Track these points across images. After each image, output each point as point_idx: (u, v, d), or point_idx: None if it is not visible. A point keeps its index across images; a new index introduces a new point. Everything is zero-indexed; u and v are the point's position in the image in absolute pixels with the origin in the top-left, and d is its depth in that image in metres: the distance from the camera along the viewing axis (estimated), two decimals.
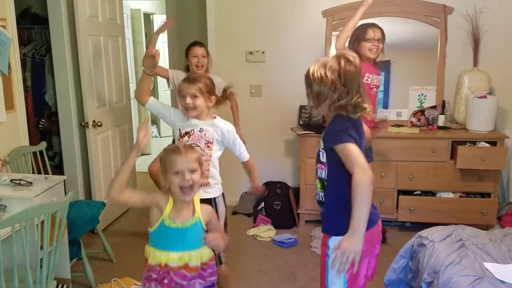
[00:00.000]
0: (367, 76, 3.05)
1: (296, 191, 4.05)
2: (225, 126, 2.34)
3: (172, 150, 1.85)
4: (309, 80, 1.79)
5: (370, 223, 1.70)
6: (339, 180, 1.74)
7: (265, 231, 3.77)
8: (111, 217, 4.02)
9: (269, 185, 4.15)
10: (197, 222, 1.88)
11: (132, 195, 1.87)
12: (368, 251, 1.76)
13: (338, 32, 4.02)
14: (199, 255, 1.88)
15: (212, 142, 2.29)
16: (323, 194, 1.83)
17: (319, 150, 1.83)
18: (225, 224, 2.46)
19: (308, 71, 1.82)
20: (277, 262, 3.33)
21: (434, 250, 2.12)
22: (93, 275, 2.99)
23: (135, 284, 3.00)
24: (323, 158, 1.80)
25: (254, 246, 3.60)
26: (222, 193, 2.45)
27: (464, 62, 3.87)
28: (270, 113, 4.22)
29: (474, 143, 3.58)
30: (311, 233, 3.77)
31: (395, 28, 3.91)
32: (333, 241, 1.74)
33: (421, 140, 3.63)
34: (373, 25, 3.10)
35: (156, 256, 1.85)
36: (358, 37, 3.05)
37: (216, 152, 2.34)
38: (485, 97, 3.57)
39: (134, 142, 1.93)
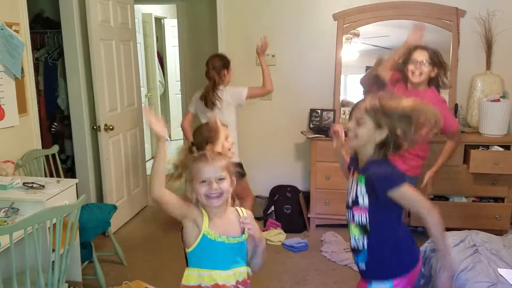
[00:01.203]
0: None
1: (306, 195, 4.04)
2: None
3: (199, 158, 1.69)
4: (378, 114, 1.66)
5: (412, 264, 1.74)
6: (388, 222, 1.73)
7: (275, 235, 3.76)
8: (122, 220, 4.04)
9: (279, 188, 4.14)
10: (245, 240, 1.74)
11: (172, 198, 1.68)
12: None
13: (348, 35, 4.03)
14: (242, 274, 1.75)
15: None
16: (364, 240, 1.75)
17: (355, 195, 1.74)
18: None
19: (372, 103, 1.69)
20: (287, 267, 3.32)
21: None
22: (104, 278, 3.00)
23: (146, 287, 3.01)
24: (364, 203, 1.72)
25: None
26: None
27: (477, 65, 3.83)
28: (281, 116, 4.21)
29: (487, 147, 3.54)
30: (321, 237, 3.75)
31: (407, 31, 3.88)
32: (377, 285, 1.74)
33: (434, 144, 3.58)
34: (421, 47, 2.81)
35: (198, 276, 1.68)
36: (405, 58, 2.83)
37: None
38: (498, 100, 3.52)
39: (150, 138, 1.80)
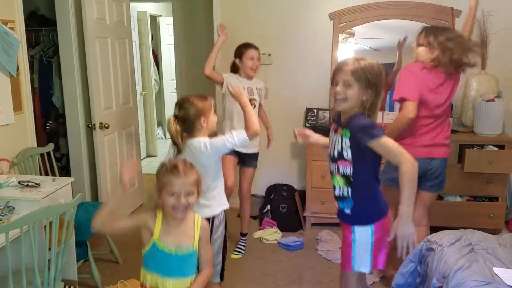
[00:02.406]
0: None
1: (302, 194, 4.04)
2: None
3: (171, 169, 1.73)
4: (360, 73, 1.83)
5: (385, 211, 1.94)
6: (368, 174, 1.91)
7: (271, 234, 3.76)
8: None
9: (275, 187, 4.15)
10: (194, 251, 1.80)
11: (119, 224, 1.76)
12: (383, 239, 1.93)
13: (344, 35, 4.03)
14: (186, 283, 1.79)
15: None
16: (348, 189, 1.93)
17: (341, 148, 1.90)
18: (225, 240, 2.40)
19: (363, 64, 1.85)
20: (283, 265, 3.32)
21: (443, 255, 2.11)
22: (99, 276, 2.99)
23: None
24: (348, 156, 1.89)
25: (260, 248, 3.59)
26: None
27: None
28: (277, 115, 4.21)
29: (482, 146, 3.56)
30: (317, 236, 3.76)
31: (403, 30, 3.90)
32: (361, 230, 1.93)
33: None
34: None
35: (149, 279, 1.77)
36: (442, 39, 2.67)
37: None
38: (493, 100, 3.54)
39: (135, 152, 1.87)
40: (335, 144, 1.94)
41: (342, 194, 1.96)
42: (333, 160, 1.96)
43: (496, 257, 2.07)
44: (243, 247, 3.51)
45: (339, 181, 1.96)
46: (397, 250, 1.78)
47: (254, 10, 4.15)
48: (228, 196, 2.82)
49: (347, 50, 4.04)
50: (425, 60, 2.64)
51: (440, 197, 3.69)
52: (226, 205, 2.30)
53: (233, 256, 3.40)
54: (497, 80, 3.73)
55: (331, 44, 4.02)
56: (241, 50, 3.35)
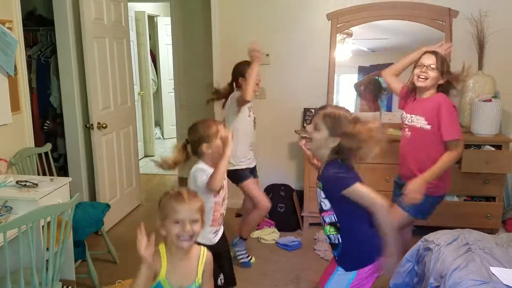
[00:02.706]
0: (404, 115, 2.72)
1: (300, 193, 4.05)
2: None
3: (175, 196, 1.66)
4: (328, 121, 1.83)
5: (369, 261, 1.87)
6: (353, 215, 1.85)
7: (269, 234, 3.77)
8: (115, 219, 4.02)
9: (273, 187, 4.15)
10: (198, 286, 1.75)
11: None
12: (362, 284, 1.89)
13: (342, 35, 4.04)
14: None
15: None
16: (338, 235, 1.88)
17: (320, 202, 1.90)
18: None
19: (330, 111, 1.86)
20: (281, 265, 3.33)
21: (440, 254, 2.12)
22: (97, 276, 2.99)
23: None
24: (326, 207, 1.88)
25: (258, 248, 3.59)
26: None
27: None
28: (275, 115, 4.22)
29: (479, 146, 3.57)
30: (315, 235, 3.76)
31: (400, 31, 3.92)
32: (341, 272, 1.89)
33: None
34: (431, 52, 2.64)
35: None
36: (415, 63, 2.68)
37: None
38: (490, 100, 3.56)
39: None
40: (317, 197, 1.93)
41: (334, 241, 1.91)
42: (319, 212, 1.94)
43: (493, 257, 2.08)
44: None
45: (330, 230, 1.91)
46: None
47: (252, 10, 4.16)
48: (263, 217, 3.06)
49: (345, 51, 4.06)
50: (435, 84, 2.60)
51: None
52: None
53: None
54: (494, 80, 3.74)
55: (329, 45, 4.03)
56: (245, 69, 3.11)
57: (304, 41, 4.10)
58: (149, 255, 1.60)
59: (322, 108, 1.89)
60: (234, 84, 3.25)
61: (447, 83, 2.59)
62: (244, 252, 3.35)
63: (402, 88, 2.81)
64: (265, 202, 3.19)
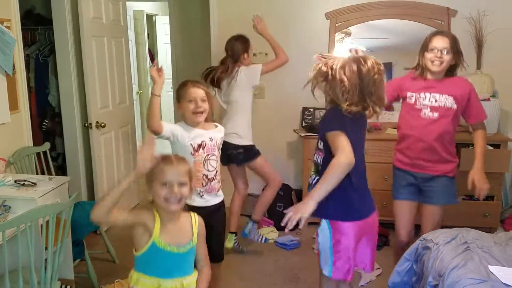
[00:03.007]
0: (410, 95, 2.59)
1: (299, 193, 4.05)
2: (222, 132, 2.42)
3: (162, 159, 1.66)
4: (327, 74, 1.91)
5: (347, 217, 1.96)
6: None
7: (268, 233, 3.77)
8: None
9: None
10: (193, 246, 1.76)
11: (119, 216, 1.67)
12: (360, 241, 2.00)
13: (341, 35, 4.04)
14: (190, 283, 1.76)
15: (219, 147, 2.36)
16: (316, 177, 1.98)
17: (318, 138, 2.03)
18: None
19: (327, 65, 1.93)
20: (280, 264, 3.33)
21: (439, 253, 2.12)
22: (96, 276, 2.99)
23: None
24: (321, 145, 2.00)
25: (256, 247, 3.59)
26: None
27: (467, 65, 3.86)
28: (273, 114, 4.22)
29: None
30: (313, 235, 3.76)
31: (398, 30, 3.92)
32: (325, 225, 2.01)
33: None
34: (441, 32, 2.59)
35: (146, 283, 1.69)
36: (423, 46, 2.58)
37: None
38: (488, 100, 3.56)
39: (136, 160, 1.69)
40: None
41: (311, 182, 2.04)
42: (316, 149, 2.06)
43: (492, 255, 2.08)
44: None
45: (312, 169, 2.06)
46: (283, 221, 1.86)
47: (250, 10, 4.14)
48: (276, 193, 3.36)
49: (344, 50, 4.05)
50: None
51: None
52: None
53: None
54: (493, 79, 3.75)
55: (328, 44, 4.03)
56: (246, 44, 3.41)
57: (303, 40, 4.10)
58: (144, 166, 1.63)
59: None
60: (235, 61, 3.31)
61: (456, 64, 2.56)
62: (258, 235, 3.45)
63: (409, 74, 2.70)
64: (278, 177, 3.34)
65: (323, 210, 1.92)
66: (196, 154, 2.23)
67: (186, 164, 1.72)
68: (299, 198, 4.00)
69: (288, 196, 4.03)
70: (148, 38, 6.75)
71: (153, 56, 7.04)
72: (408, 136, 2.60)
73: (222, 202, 2.41)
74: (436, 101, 2.53)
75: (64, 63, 3.69)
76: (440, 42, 2.49)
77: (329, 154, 1.91)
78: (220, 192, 2.39)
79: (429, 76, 2.57)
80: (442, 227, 2.50)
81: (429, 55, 2.51)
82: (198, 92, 2.24)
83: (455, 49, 2.50)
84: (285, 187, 4.12)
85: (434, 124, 2.53)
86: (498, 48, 3.83)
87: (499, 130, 3.75)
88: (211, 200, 2.32)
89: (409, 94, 2.59)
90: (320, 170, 1.95)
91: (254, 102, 4.19)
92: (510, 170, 3.75)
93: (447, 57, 2.49)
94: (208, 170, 2.27)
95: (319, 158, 2.00)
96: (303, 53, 4.11)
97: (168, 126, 2.23)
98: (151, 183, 1.66)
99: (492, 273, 1.94)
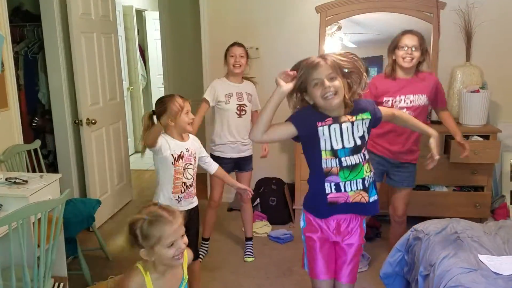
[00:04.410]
0: (387, 100, 2.77)
1: (291, 187, 4.07)
2: (198, 141, 2.55)
3: (157, 220, 1.56)
4: (340, 61, 1.84)
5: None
6: None
7: (261, 227, 3.78)
8: (106, 215, 4.01)
9: (264, 181, 4.16)
10: (186, 281, 1.74)
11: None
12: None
13: (332, 29, 4.04)
14: None
15: (196, 156, 2.48)
16: (372, 173, 1.91)
17: (363, 133, 1.86)
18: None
19: (330, 57, 1.85)
20: (273, 258, 3.35)
21: (429, 243, 2.14)
22: (89, 272, 2.99)
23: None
24: (367, 138, 1.89)
25: None
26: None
27: (457, 57, 3.90)
28: (268, 100, 4.20)
29: (467, 137, 3.60)
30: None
31: (387, 23, 3.93)
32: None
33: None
34: (410, 31, 2.77)
35: None
36: (392, 45, 2.78)
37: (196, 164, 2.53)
38: (477, 91, 3.59)
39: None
40: (353, 133, 1.84)
41: (369, 182, 1.88)
42: (357, 150, 1.85)
43: (481, 245, 2.12)
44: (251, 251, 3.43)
45: (366, 170, 1.86)
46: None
47: (241, 4, 4.14)
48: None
49: (334, 43, 4.06)
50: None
51: (427, 188, 3.74)
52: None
53: (247, 259, 3.33)
54: (482, 71, 3.78)
55: (318, 38, 4.04)
56: (225, 50, 3.26)
57: (293, 34, 4.11)
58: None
59: (313, 62, 1.82)
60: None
61: (422, 60, 2.77)
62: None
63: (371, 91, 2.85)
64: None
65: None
66: (176, 164, 2.36)
67: (178, 214, 1.65)
68: (292, 192, 4.02)
69: (281, 190, 4.05)
70: (138, 33, 6.70)
71: (143, 52, 7.00)
72: (389, 132, 2.78)
73: (197, 207, 2.53)
74: (411, 102, 2.76)
75: (53, 60, 3.66)
76: (409, 40, 2.70)
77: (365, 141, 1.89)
78: (195, 198, 2.52)
79: (399, 74, 2.77)
80: (434, 218, 2.53)
81: (400, 53, 2.71)
82: (188, 105, 2.38)
83: (423, 46, 2.72)
84: (277, 182, 4.14)
85: None
86: (487, 40, 3.85)
87: (488, 121, 3.78)
88: (187, 205, 2.45)
89: (385, 99, 2.77)
90: (365, 155, 1.89)
91: None
92: (500, 160, 3.80)
93: (416, 54, 2.69)
94: (187, 178, 2.41)
95: (366, 153, 1.89)
96: (294, 47, 4.13)
97: (158, 139, 2.32)
98: (153, 249, 1.57)
99: (481, 262, 1.97)
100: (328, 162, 1.84)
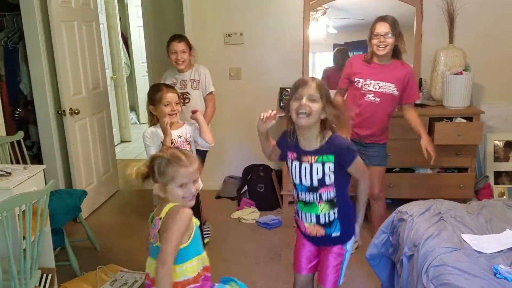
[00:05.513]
0: (357, 80, 2.91)
1: (279, 173, 4.08)
2: (192, 124, 2.59)
3: (175, 161, 1.65)
4: (323, 90, 1.82)
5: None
6: (346, 190, 1.93)
7: (249, 214, 3.80)
8: (93, 206, 3.99)
9: (252, 168, 4.17)
10: None
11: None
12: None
13: (315, 13, 4.02)
14: None
15: (190, 140, 2.52)
16: (334, 211, 1.90)
17: (322, 175, 1.84)
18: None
19: (321, 81, 1.87)
20: (262, 243, 3.37)
21: (413, 224, 2.17)
22: (77, 263, 2.98)
23: (120, 270, 3.01)
24: (330, 181, 1.85)
25: (238, 228, 3.63)
26: None
27: (440, 39, 3.91)
28: (250, 96, 4.21)
29: (451, 119, 3.65)
30: (294, 214, 3.81)
31: (371, 7, 3.92)
32: (350, 243, 1.98)
33: (399, 118, 3.64)
34: (380, 18, 2.85)
35: (194, 265, 1.69)
36: (369, 34, 2.88)
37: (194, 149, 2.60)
38: (460, 73, 3.62)
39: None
40: (311, 173, 1.85)
41: (328, 219, 1.90)
42: (313, 189, 1.87)
43: (465, 224, 2.15)
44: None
45: (323, 209, 1.89)
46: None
47: None
48: None
49: (319, 29, 4.05)
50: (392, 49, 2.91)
51: (412, 170, 3.78)
52: None
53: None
54: (465, 53, 3.80)
55: (303, 22, 4.02)
56: (166, 45, 3.24)
57: (277, 19, 4.08)
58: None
59: (306, 80, 1.83)
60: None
61: (397, 45, 2.85)
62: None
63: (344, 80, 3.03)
64: None
65: (351, 230, 1.99)
66: None
67: (196, 160, 1.73)
68: (279, 178, 4.03)
69: (269, 177, 4.06)
70: (121, 21, 6.60)
71: (126, 40, 6.91)
72: (357, 115, 2.88)
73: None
74: (379, 87, 2.87)
75: (34, 49, 3.59)
76: (381, 27, 2.79)
77: (343, 183, 1.88)
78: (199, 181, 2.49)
79: (375, 60, 2.88)
80: (418, 200, 2.56)
81: (374, 41, 2.82)
82: (173, 97, 2.46)
83: (395, 31, 2.79)
84: (265, 168, 4.15)
85: (377, 107, 2.90)
86: (470, 22, 3.87)
87: (472, 103, 3.82)
88: None
89: (356, 79, 2.91)
90: (337, 202, 1.88)
91: (231, 84, 4.20)
92: (483, 141, 3.85)
93: (390, 40, 2.78)
94: None
95: (330, 193, 1.87)
96: (279, 32, 4.10)
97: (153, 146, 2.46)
98: (166, 185, 1.66)
99: (464, 241, 2.00)
100: (292, 189, 1.99)
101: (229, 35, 4.15)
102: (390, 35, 2.77)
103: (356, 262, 2.93)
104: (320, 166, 1.83)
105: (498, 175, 3.93)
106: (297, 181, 1.91)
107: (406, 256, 2.11)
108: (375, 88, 2.88)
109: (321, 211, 1.89)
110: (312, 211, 1.91)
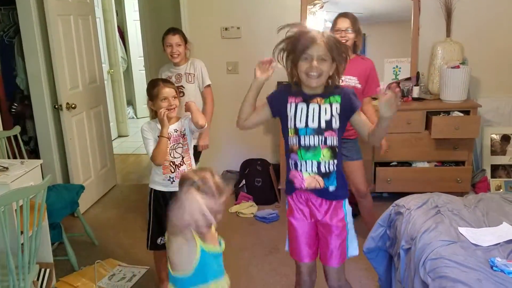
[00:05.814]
0: None
1: (276, 167, 4.08)
2: (186, 116, 2.56)
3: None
4: (337, 46, 1.82)
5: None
6: (340, 153, 1.93)
7: (247, 208, 3.81)
8: (91, 200, 3.99)
9: (249, 162, 4.17)
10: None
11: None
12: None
13: (312, 7, 4.01)
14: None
15: (186, 133, 2.52)
16: (334, 162, 1.89)
17: (330, 117, 1.85)
18: None
19: (335, 39, 1.85)
20: (259, 237, 3.38)
21: (410, 218, 2.18)
22: (75, 258, 2.98)
23: (118, 265, 3.01)
24: (336, 124, 1.86)
25: (236, 223, 3.64)
26: None
27: (438, 33, 3.91)
28: (247, 89, 4.19)
29: (448, 113, 3.65)
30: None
31: (368, 1, 3.92)
32: (346, 203, 1.97)
33: (398, 112, 3.66)
34: (342, 15, 2.94)
35: None
36: (331, 28, 2.96)
37: (191, 142, 2.58)
38: (458, 67, 3.62)
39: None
40: (319, 114, 1.85)
41: (328, 169, 1.88)
42: (319, 132, 1.85)
43: (462, 218, 2.16)
44: None
45: (325, 155, 1.86)
46: None
47: None
48: None
49: (317, 23, 4.04)
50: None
51: (409, 164, 3.79)
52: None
53: None
54: (462, 47, 3.80)
55: (300, 15, 4.00)
56: (162, 39, 3.20)
57: (275, 13, 4.06)
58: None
59: (313, 38, 1.78)
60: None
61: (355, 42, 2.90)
62: None
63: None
64: None
65: (346, 190, 1.98)
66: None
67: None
68: (277, 172, 4.04)
69: (266, 171, 4.06)
70: (117, 15, 6.57)
71: (122, 34, 6.88)
72: None
73: None
74: (342, 81, 2.79)
75: (30, 44, 3.57)
76: (343, 23, 2.86)
77: (342, 133, 1.90)
78: None
79: None
80: (415, 193, 2.56)
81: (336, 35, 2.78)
82: (170, 92, 2.46)
83: (355, 27, 2.86)
84: (263, 163, 4.15)
85: None
86: (467, 16, 3.86)
87: (469, 96, 3.83)
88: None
89: None
90: (337, 152, 1.88)
91: (228, 78, 4.18)
92: (480, 135, 3.86)
93: (350, 35, 2.85)
94: (174, 157, 2.46)
95: (334, 140, 1.87)
96: (276, 25, 4.07)
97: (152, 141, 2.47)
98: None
99: (461, 234, 2.01)
100: (291, 139, 1.91)
101: (226, 29, 4.13)
102: (350, 30, 2.84)
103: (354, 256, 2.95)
104: (328, 107, 1.85)
105: (495, 168, 3.95)
106: (302, 125, 1.86)
107: (403, 249, 2.11)
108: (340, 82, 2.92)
109: (323, 157, 1.86)
110: (314, 157, 1.86)
